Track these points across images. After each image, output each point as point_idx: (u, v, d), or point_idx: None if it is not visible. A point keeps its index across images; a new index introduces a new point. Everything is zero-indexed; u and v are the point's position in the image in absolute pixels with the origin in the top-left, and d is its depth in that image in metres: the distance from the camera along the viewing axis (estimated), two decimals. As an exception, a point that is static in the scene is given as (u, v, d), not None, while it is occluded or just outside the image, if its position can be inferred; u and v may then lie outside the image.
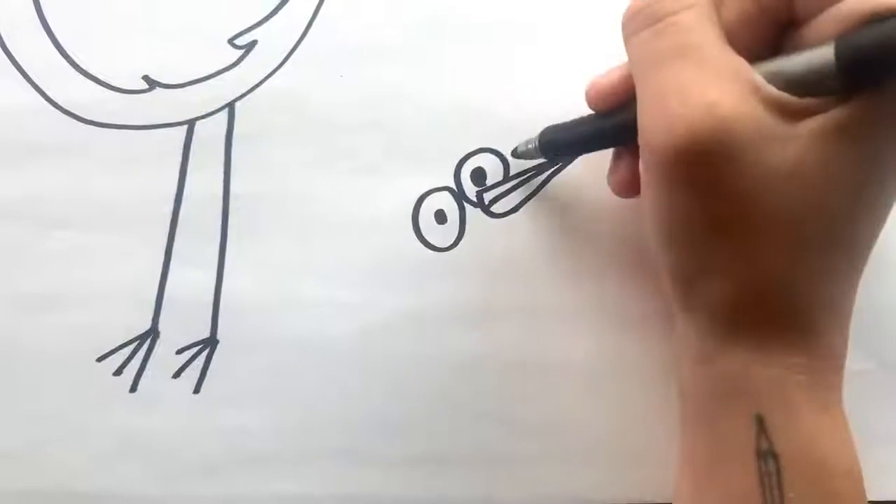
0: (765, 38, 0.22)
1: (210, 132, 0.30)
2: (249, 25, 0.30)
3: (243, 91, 0.30)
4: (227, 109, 0.30)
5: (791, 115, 0.20)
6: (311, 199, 0.30)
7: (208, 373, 0.29)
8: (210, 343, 0.29)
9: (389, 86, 0.30)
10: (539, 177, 0.30)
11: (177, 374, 0.29)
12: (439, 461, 0.29)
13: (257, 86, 0.30)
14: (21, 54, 0.30)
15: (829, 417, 0.22)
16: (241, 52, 0.30)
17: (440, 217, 0.30)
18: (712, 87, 0.20)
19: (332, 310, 0.29)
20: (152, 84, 0.30)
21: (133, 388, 0.29)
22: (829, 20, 0.20)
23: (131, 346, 0.29)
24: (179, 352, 0.29)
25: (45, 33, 0.30)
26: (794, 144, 0.20)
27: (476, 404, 0.29)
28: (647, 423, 0.29)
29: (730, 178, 0.20)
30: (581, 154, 0.28)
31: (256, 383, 0.29)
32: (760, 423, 0.21)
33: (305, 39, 0.30)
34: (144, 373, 0.29)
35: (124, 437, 0.29)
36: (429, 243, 0.30)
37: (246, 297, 0.29)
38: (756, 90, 0.20)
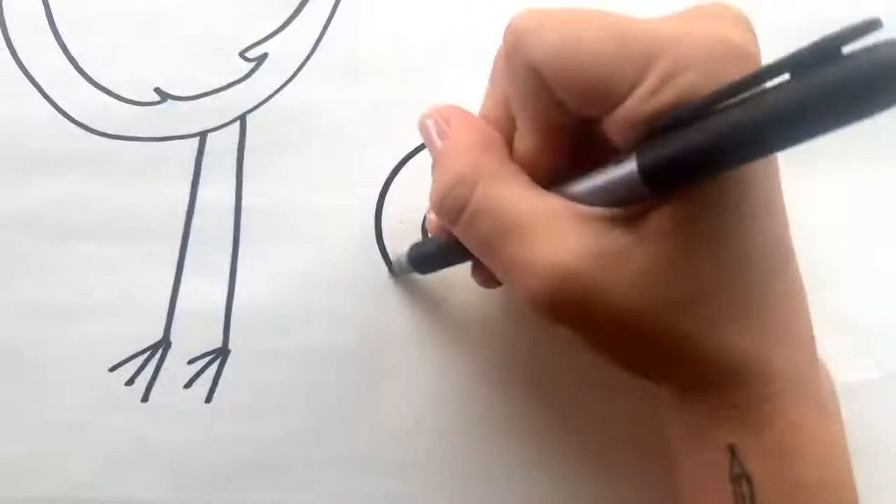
0: (563, 150, 0.22)
1: (222, 144, 0.30)
2: (260, 38, 0.30)
3: (255, 103, 0.30)
4: (238, 121, 0.30)
5: (626, 223, 0.21)
6: (321, 211, 0.30)
7: (220, 383, 0.30)
8: (222, 353, 0.30)
9: (398, 99, 0.30)
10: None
11: (188, 384, 0.30)
12: (446, 470, 0.29)
13: (268, 98, 0.30)
14: (34, 67, 0.30)
15: (804, 432, 0.22)
16: (252, 64, 0.30)
17: (449, 229, 0.30)
18: (546, 248, 0.21)
19: (342, 320, 0.30)
20: (164, 96, 0.30)
21: (145, 398, 0.30)
22: (619, 127, 0.20)
23: (143, 356, 0.30)
24: (191, 362, 0.30)
25: (58, 46, 0.30)
26: (644, 246, 0.20)
27: (482, 414, 0.29)
28: (642, 433, 0.29)
29: (611, 306, 0.21)
30: (444, 268, 0.28)
31: (267, 393, 0.29)
32: (732, 451, 0.22)
33: (316, 53, 0.30)
34: (156, 382, 0.30)
35: (136, 446, 0.29)
36: (438, 254, 0.30)
37: (257, 308, 0.30)
38: (585, 219, 0.21)
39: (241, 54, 0.30)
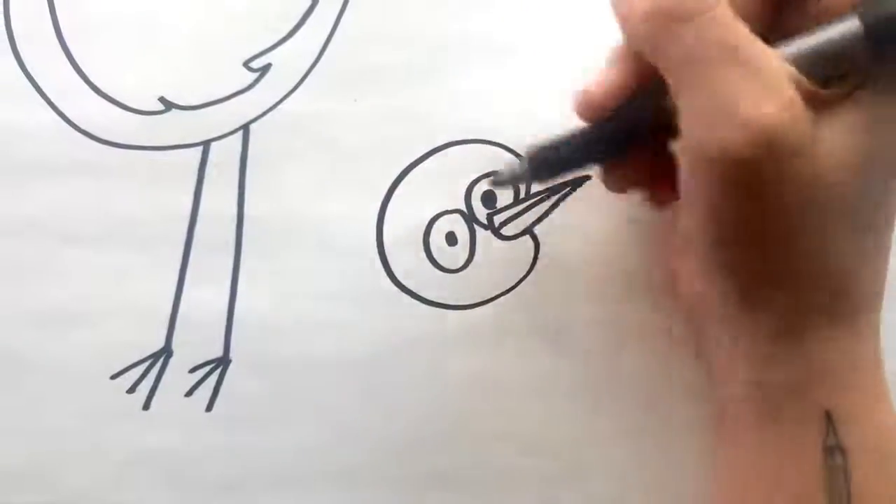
0: (766, 15, 0.22)
1: (225, 153, 0.30)
2: (264, 49, 0.30)
3: (258, 113, 0.30)
4: (241, 131, 0.30)
5: (824, 104, 0.20)
6: (324, 221, 0.30)
7: (221, 391, 0.30)
8: (223, 362, 0.30)
9: (402, 110, 0.30)
10: (549, 200, 0.30)
11: (189, 393, 0.30)
12: (446, 481, 0.29)
13: (272, 108, 0.30)
14: (40, 75, 0.31)
15: (888, 409, 0.22)
16: (255, 74, 0.30)
17: (451, 239, 0.30)
18: (766, 92, 0.20)
19: (343, 331, 0.30)
20: (168, 105, 0.30)
21: (146, 406, 0.30)
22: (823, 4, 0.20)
23: (145, 364, 0.30)
24: (192, 370, 0.30)
25: (63, 55, 0.31)
26: (834, 136, 0.20)
27: (484, 425, 0.29)
28: (648, 444, 0.29)
29: (785, 180, 0.20)
30: (580, 170, 0.26)
31: (268, 402, 0.30)
32: (829, 419, 0.21)
33: (319, 63, 0.30)
34: (157, 390, 0.30)
35: (136, 454, 0.29)
36: (439, 264, 0.30)
37: (259, 318, 0.30)
38: (797, 86, 0.20)
39: (245, 64, 0.30)
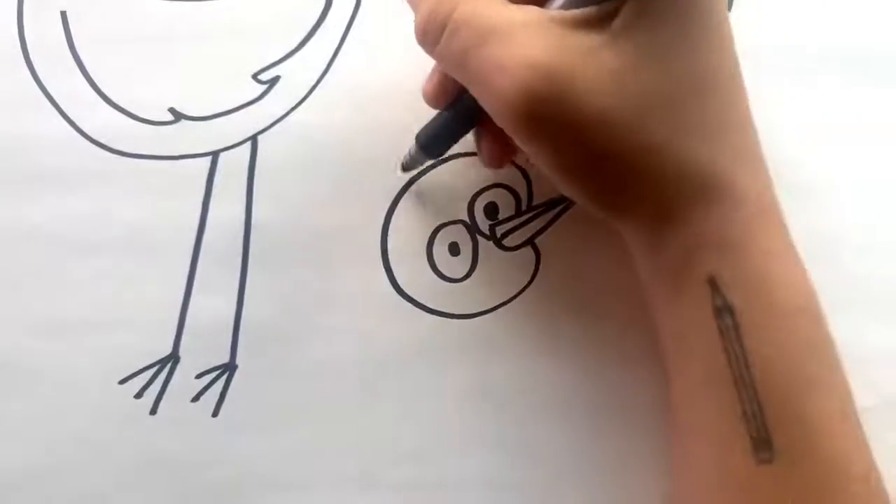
0: None
1: (233, 164, 0.31)
2: (273, 62, 0.31)
3: (266, 125, 0.31)
4: (250, 142, 0.31)
5: (590, 24, 0.22)
6: (330, 230, 0.31)
7: (227, 397, 0.30)
8: (229, 368, 0.30)
9: (407, 122, 0.31)
10: (550, 212, 0.31)
11: (196, 398, 0.30)
12: (451, 487, 0.30)
13: (279, 120, 0.31)
14: (52, 85, 0.31)
15: (778, 259, 0.23)
16: (264, 87, 0.31)
17: (454, 249, 0.31)
18: (518, 47, 0.22)
19: (348, 338, 0.30)
20: (178, 116, 0.31)
21: (153, 411, 0.30)
22: None
23: (152, 370, 0.30)
24: (199, 376, 0.30)
25: (76, 66, 0.31)
26: (612, 46, 0.22)
27: (484, 433, 0.30)
28: (648, 452, 0.30)
29: (579, 106, 0.22)
30: (453, 142, 0.29)
31: (273, 408, 0.30)
32: (713, 283, 0.23)
33: (327, 76, 0.31)
34: (164, 396, 0.30)
35: (143, 459, 0.30)
36: (442, 274, 0.31)
37: (265, 324, 0.30)
38: (557, 21, 0.22)
39: (254, 77, 0.31)
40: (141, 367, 0.30)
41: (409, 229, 0.31)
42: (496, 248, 0.31)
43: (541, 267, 0.30)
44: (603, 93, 0.22)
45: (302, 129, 0.31)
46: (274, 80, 0.31)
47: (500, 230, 0.31)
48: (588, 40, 0.22)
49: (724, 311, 0.22)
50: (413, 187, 0.31)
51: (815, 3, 0.32)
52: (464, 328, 0.30)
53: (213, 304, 0.30)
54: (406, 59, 0.31)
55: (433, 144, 0.29)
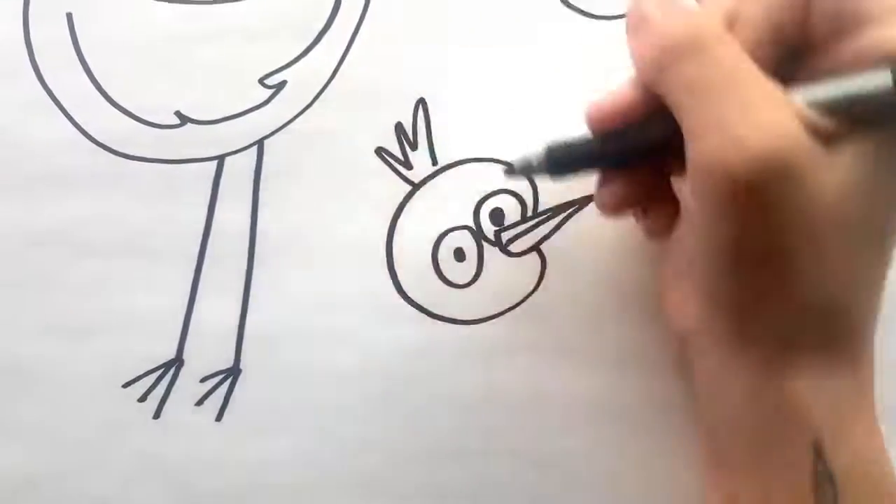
0: (775, 62, 0.23)
1: (239, 168, 0.31)
2: (279, 66, 0.31)
3: (272, 129, 0.31)
4: (256, 146, 0.31)
5: (831, 138, 0.21)
6: (335, 236, 0.31)
7: (231, 401, 0.30)
8: (233, 372, 0.30)
9: (412, 128, 0.31)
10: (555, 218, 0.31)
11: (200, 402, 0.30)
12: (456, 492, 0.30)
13: (286, 125, 0.31)
14: (59, 89, 0.31)
15: (878, 436, 0.23)
16: (270, 91, 0.31)
17: (459, 255, 0.31)
18: (767, 114, 0.21)
19: (352, 343, 0.30)
20: (184, 120, 0.31)
21: (157, 415, 0.30)
22: (851, 52, 0.21)
23: (156, 374, 0.30)
24: (203, 380, 0.30)
25: (82, 69, 0.31)
26: (839, 167, 0.21)
27: (489, 438, 0.30)
28: (654, 458, 0.30)
29: (789, 202, 0.21)
30: (591, 168, 0.27)
31: (278, 412, 0.30)
32: (818, 448, 0.22)
33: (333, 81, 0.31)
34: (168, 400, 0.30)
35: (147, 463, 0.30)
36: (447, 280, 0.31)
37: (269, 329, 0.30)
38: (802, 117, 0.21)
39: (261, 81, 0.31)
40: (145, 370, 0.30)
41: (415, 235, 0.31)
42: (501, 254, 0.31)
43: (546, 273, 0.31)
44: (819, 208, 0.21)
45: (308, 134, 0.31)
46: (280, 85, 0.31)
47: (505, 236, 0.31)
48: (822, 154, 0.21)
49: (824, 479, 0.21)
50: (418, 193, 0.31)
51: None
52: (469, 334, 0.30)
53: (217, 308, 0.30)
54: (414, 64, 0.31)
55: (565, 165, 0.26)
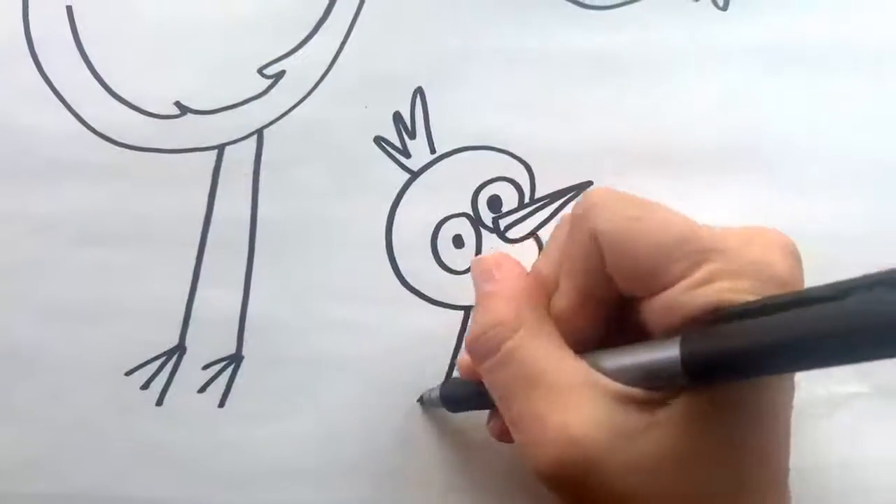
0: (601, 316, 0.23)
1: (239, 157, 0.31)
2: (278, 56, 0.31)
3: (272, 119, 0.31)
4: (255, 136, 0.31)
5: (642, 405, 0.21)
6: (335, 223, 0.31)
7: (233, 388, 0.30)
8: (235, 359, 0.31)
9: (410, 116, 0.31)
10: (553, 205, 0.31)
11: (202, 389, 0.31)
12: (461, 474, 0.30)
13: (285, 114, 0.31)
14: (58, 79, 0.31)
15: None
16: (270, 81, 0.31)
17: (458, 241, 0.31)
18: (563, 410, 0.21)
19: (353, 329, 0.31)
20: (184, 110, 0.31)
21: (159, 402, 0.30)
22: (658, 309, 0.21)
23: (159, 361, 0.31)
24: (205, 367, 0.31)
25: (81, 59, 0.31)
26: (652, 433, 0.21)
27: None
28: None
29: (605, 485, 0.21)
30: (474, 409, 0.28)
31: (279, 399, 0.30)
32: None
33: (332, 71, 0.31)
34: (171, 387, 0.31)
35: (150, 449, 0.30)
36: (447, 266, 0.31)
37: (271, 316, 0.31)
38: (604, 395, 0.21)
39: (260, 71, 0.31)
40: (147, 358, 0.31)
41: (414, 222, 0.31)
42: (500, 241, 0.31)
43: (543, 259, 0.31)
44: (630, 481, 0.21)
45: (307, 123, 0.31)
46: (279, 75, 0.31)
47: (503, 222, 0.31)
48: (632, 420, 0.21)
49: None
50: (417, 180, 0.31)
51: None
52: (467, 320, 0.31)
53: (219, 296, 0.31)
54: (411, 54, 0.31)
55: (455, 404, 0.29)
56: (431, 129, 0.31)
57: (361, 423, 0.30)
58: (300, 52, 0.31)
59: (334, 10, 0.31)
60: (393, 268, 0.31)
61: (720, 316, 0.19)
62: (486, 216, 0.31)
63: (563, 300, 0.23)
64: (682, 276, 0.20)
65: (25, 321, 0.30)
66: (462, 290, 0.31)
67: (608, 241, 0.22)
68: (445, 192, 0.31)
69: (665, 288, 0.21)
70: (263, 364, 0.31)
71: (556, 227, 0.25)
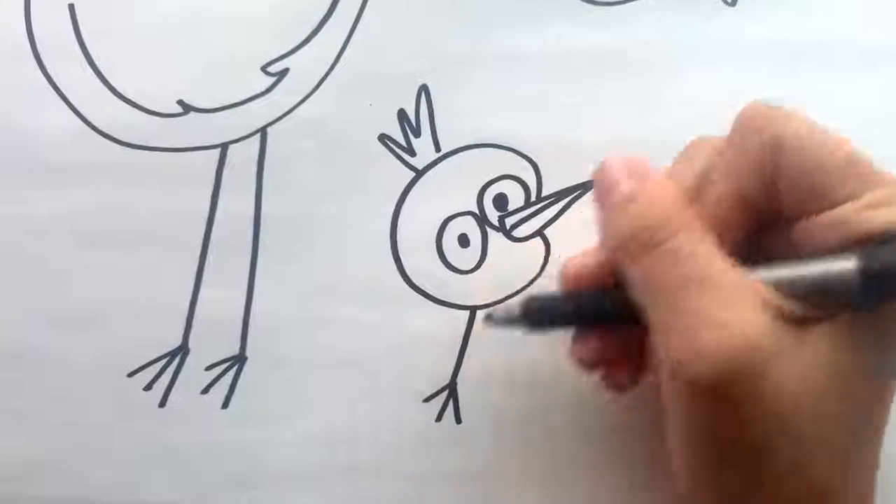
0: (739, 228, 0.23)
1: (242, 156, 0.31)
2: (282, 54, 0.31)
3: (275, 117, 0.31)
4: (259, 134, 0.31)
5: (798, 323, 0.21)
6: (339, 223, 0.31)
7: (236, 389, 0.30)
8: (239, 360, 0.30)
9: (415, 115, 0.31)
10: (559, 203, 0.31)
11: (206, 390, 0.30)
12: (461, 476, 0.30)
13: (289, 112, 0.31)
14: (60, 78, 0.31)
15: None
16: (273, 79, 0.31)
17: (463, 240, 0.31)
18: (732, 311, 0.21)
19: (357, 329, 0.30)
20: (187, 108, 0.31)
21: (162, 403, 0.30)
22: (824, 226, 0.21)
23: (162, 362, 0.30)
24: (209, 368, 0.30)
25: (84, 58, 0.31)
26: (808, 353, 0.21)
27: (491, 423, 0.30)
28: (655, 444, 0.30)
29: (754, 400, 0.20)
30: (567, 326, 0.27)
31: (283, 399, 0.30)
32: None
33: (336, 68, 0.31)
34: (174, 388, 0.30)
35: (153, 450, 0.30)
36: (452, 265, 0.31)
37: (275, 316, 0.30)
38: (767, 305, 0.21)
39: (263, 69, 0.31)
40: (150, 359, 0.30)
41: (419, 221, 0.31)
42: (505, 239, 0.31)
43: (550, 258, 0.31)
44: (786, 395, 0.20)
45: (311, 121, 0.31)
46: (283, 73, 0.31)
47: (509, 221, 0.31)
48: (789, 337, 0.21)
49: None
50: (422, 179, 0.31)
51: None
52: (473, 319, 0.30)
53: (222, 296, 0.30)
54: (416, 51, 0.31)
55: (541, 320, 0.26)
56: (436, 127, 0.31)
57: (366, 423, 0.30)
58: (304, 49, 0.31)
59: (338, 6, 0.31)
60: (398, 267, 0.31)
61: (893, 237, 0.19)
62: (492, 215, 0.31)
63: (715, 201, 0.23)
64: (850, 198, 0.20)
65: (28, 323, 0.30)
66: (467, 290, 0.30)
67: (793, 153, 0.21)
68: (451, 191, 0.31)
69: (831, 207, 0.21)
70: (267, 364, 0.30)
71: (691, 144, 0.25)
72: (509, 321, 0.27)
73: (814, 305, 0.21)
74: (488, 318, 0.27)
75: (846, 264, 0.20)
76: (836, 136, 0.22)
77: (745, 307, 0.21)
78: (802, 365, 0.20)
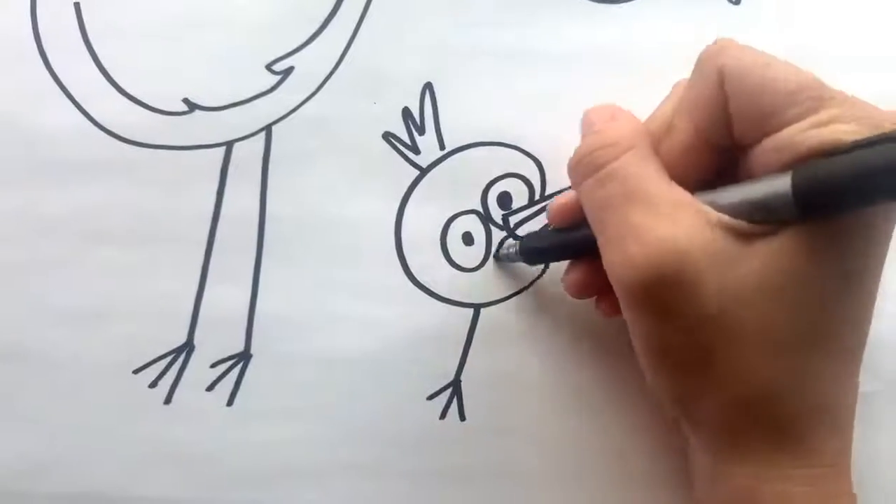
0: (707, 165, 0.24)
1: (247, 154, 0.31)
2: (287, 52, 0.31)
3: (280, 115, 0.31)
4: (264, 132, 0.31)
5: (744, 237, 0.22)
6: (344, 220, 0.31)
7: (241, 386, 0.30)
8: (244, 357, 0.30)
9: (420, 113, 0.31)
10: (563, 201, 0.31)
11: (210, 387, 0.30)
12: (463, 475, 0.30)
13: (294, 110, 0.31)
14: (66, 77, 0.31)
15: None
16: (278, 77, 0.31)
17: (467, 239, 0.31)
18: (662, 223, 0.22)
19: (362, 327, 0.30)
20: (192, 106, 0.31)
21: (168, 400, 0.30)
22: (771, 150, 0.22)
23: (167, 360, 0.30)
24: (213, 365, 0.30)
25: (89, 56, 0.31)
26: (752, 263, 0.21)
27: (496, 421, 0.30)
28: (662, 441, 0.30)
29: (695, 303, 0.21)
30: (553, 261, 0.30)
31: (288, 397, 0.30)
32: None
33: (340, 67, 0.31)
34: (179, 385, 0.30)
35: (158, 447, 0.30)
36: (456, 264, 0.31)
37: (279, 314, 0.30)
38: (705, 219, 0.22)
39: (268, 67, 0.31)
40: (156, 356, 0.30)
41: (423, 219, 0.31)
42: (510, 238, 0.31)
43: (553, 256, 0.31)
44: (726, 303, 0.21)
45: (316, 119, 0.31)
46: (288, 71, 0.31)
47: (513, 220, 0.31)
48: (732, 247, 0.21)
49: None
50: (427, 177, 0.31)
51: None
52: (477, 317, 0.31)
53: (227, 294, 0.31)
54: (420, 49, 0.31)
55: (535, 255, 0.29)
56: (441, 125, 0.31)
57: (371, 420, 0.30)
58: (309, 47, 0.31)
59: (343, 5, 0.31)
60: (402, 265, 0.31)
61: (833, 153, 0.20)
62: (496, 213, 0.31)
63: (676, 137, 0.24)
64: (799, 119, 0.21)
65: (33, 320, 0.30)
66: (472, 288, 0.31)
67: (735, 80, 0.22)
68: (455, 189, 0.31)
69: (780, 129, 0.21)
70: (272, 362, 0.30)
71: (673, 87, 0.26)
72: (510, 258, 0.30)
73: (759, 222, 0.21)
74: (496, 256, 0.31)
75: (784, 182, 0.21)
76: (786, 64, 0.22)
77: (680, 222, 0.22)
78: (747, 273, 0.21)
